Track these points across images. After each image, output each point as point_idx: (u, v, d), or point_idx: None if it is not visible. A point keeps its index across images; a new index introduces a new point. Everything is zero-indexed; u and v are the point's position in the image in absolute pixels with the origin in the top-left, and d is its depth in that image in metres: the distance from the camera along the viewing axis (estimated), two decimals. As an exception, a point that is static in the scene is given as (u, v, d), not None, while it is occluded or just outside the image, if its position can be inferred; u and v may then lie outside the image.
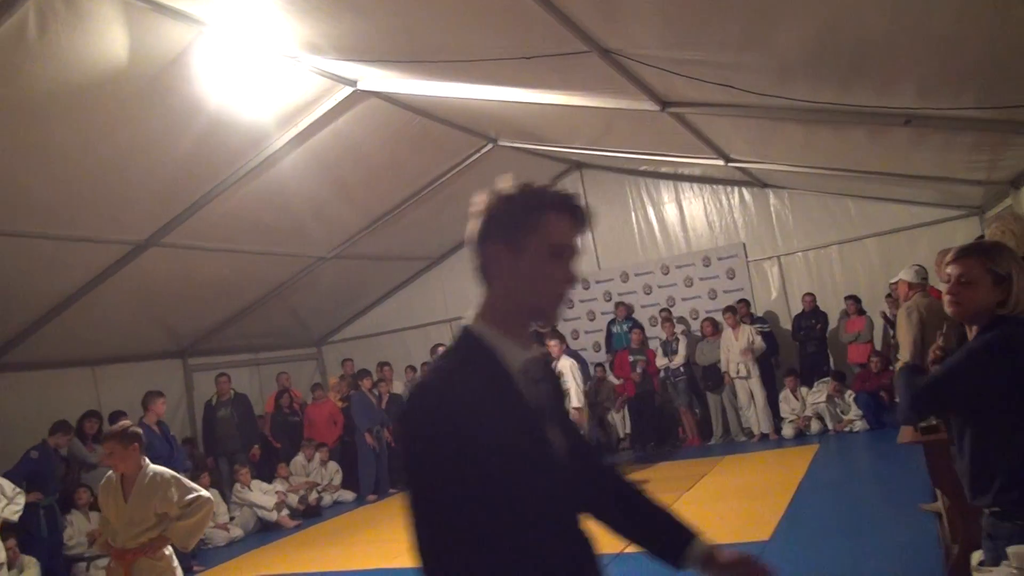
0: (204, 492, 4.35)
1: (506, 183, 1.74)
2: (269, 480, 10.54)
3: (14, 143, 6.11)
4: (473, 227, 1.71)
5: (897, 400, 4.30)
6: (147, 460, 4.34)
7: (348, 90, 7.34)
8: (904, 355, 5.91)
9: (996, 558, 2.42)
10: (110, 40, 5.42)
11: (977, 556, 2.66)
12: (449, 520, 1.53)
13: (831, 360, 11.09)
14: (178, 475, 4.36)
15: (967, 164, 7.49)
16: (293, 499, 10.53)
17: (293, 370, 13.12)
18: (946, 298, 2.68)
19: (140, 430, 4.46)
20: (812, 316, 11.08)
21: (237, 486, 10.02)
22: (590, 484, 1.85)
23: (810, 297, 11.17)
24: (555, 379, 1.82)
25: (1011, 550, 1.53)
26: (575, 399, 9.45)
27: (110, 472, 4.39)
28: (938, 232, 10.53)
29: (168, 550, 4.30)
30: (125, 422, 4.59)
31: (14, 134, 6.02)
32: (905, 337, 5.51)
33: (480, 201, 1.73)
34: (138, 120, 6.50)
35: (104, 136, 6.52)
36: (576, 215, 1.74)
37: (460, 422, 1.50)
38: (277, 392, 12.02)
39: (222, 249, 9.44)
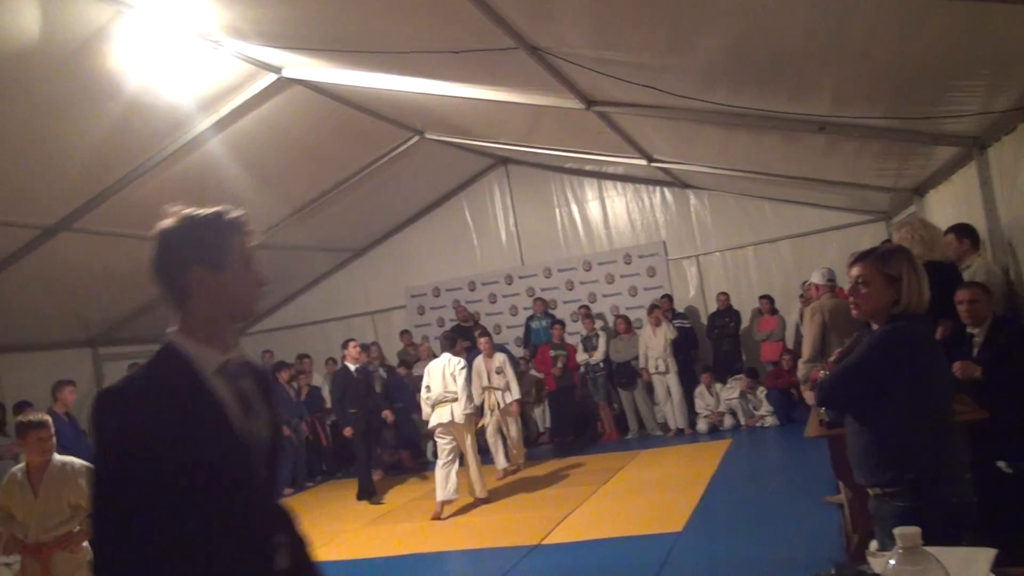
0: None
1: (173, 215, 1.98)
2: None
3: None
4: (163, 258, 1.97)
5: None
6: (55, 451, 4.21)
7: (272, 77, 7.23)
8: (805, 352, 6.21)
9: (888, 543, 2.59)
10: (22, 15, 5.23)
11: (874, 544, 2.82)
12: (124, 514, 1.71)
13: (744, 357, 11.42)
14: (89, 465, 4.20)
15: (876, 171, 7.82)
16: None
17: (210, 361, 12.80)
18: (850, 300, 2.89)
19: (49, 417, 4.31)
20: (726, 314, 11.39)
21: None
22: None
23: (724, 296, 11.48)
24: (260, 375, 2.09)
25: (897, 531, 1.64)
26: (514, 391, 9.53)
27: (14, 468, 4.24)
28: (848, 235, 10.97)
29: (86, 543, 4.14)
30: (41, 413, 4.45)
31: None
32: (806, 336, 5.77)
33: (160, 235, 1.97)
34: (51, 99, 6.26)
35: (13, 114, 6.27)
36: (247, 229, 2.06)
37: (137, 423, 1.73)
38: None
39: (138, 236, 9.07)
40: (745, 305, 11.65)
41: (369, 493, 9.55)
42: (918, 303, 2.76)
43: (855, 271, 2.85)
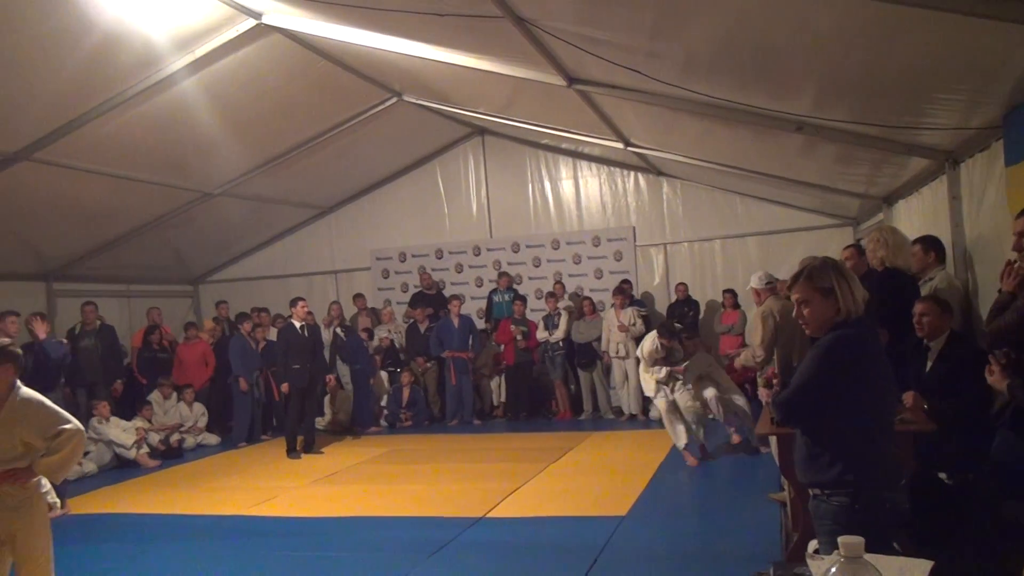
0: (73, 424, 4.05)
1: None
2: (129, 417, 10.16)
3: None
4: None
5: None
6: (20, 384, 4.04)
7: (252, 22, 7.06)
8: (759, 353, 6.35)
9: (827, 544, 2.63)
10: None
11: (813, 544, 2.86)
12: None
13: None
14: (48, 403, 4.08)
15: (848, 177, 7.88)
16: (154, 438, 10.20)
17: (167, 306, 12.65)
18: (800, 323, 3.01)
19: (19, 350, 4.13)
20: (684, 304, 11.48)
21: (94, 420, 9.61)
22: None
23: (683, 286, 11.57)
24: None
25: (841, 539, 1.64)
26: None
27: None
28: (815, 237, 11.07)
29: (37, 479, 4.08)
30: (3, 339, 4.19)
31: None
32: (757, 339, 5.86)
33: None
34: (22, 25, 6.06)
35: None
36: None
37: None
38: (147, 327, 11.58)
39: (102, 172, 8.93)
40: (708, 297, 11.73)
41: (292, 448, 9.81)
42: (855, 306, 2.85)
43: (794, 296, 2.97)
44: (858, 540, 1.62)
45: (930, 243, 5.54)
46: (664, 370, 8.19)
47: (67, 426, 4.00)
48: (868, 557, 1.69)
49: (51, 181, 8.65)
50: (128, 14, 6.31)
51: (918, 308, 4.72)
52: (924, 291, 5.28)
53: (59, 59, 6.62)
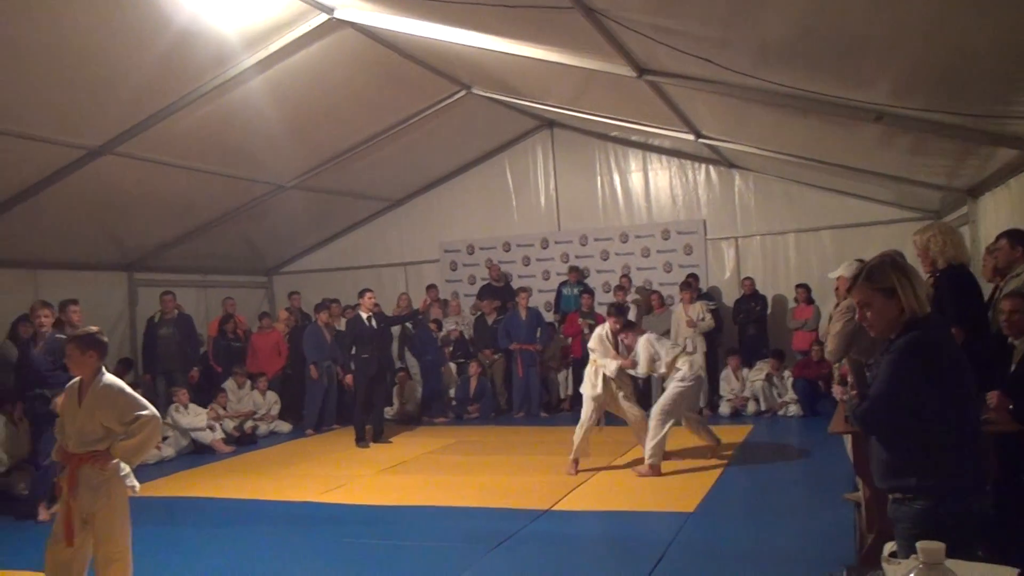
0: (149, 410, 4.19)
1: None
2: (205, 405, 10.45)
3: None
4: None
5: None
6: (104, 370, 4.25)
7: (323, 17, 7.15)
8: (830, 348, 6.10)
9: (905, 548, 2.53)
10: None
11: (889, 547, 2.76)
12: None
13: (769, 343, 11.28)
14: (128, 390, 4.25)
15: (929, 168, 7.60)
16: (229, 424, 10.48)
17: (241, 297, 12.97)
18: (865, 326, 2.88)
19: (105, 338, 4.32)
20: (752, 299, 11.26)
21: (173, 407, 9.92)
22: None
23: (750, 281, 11.36)
24: None
25: (920, 545, 1.57)
26: None
27: (74, 379, 4.32)
28: (893, 231, 10.69)
29: (116, 461, 4.23)
30: (91, 327, 4.38)
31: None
32: (834, 334, 5.64)
33: None
34: (105, 24, 6.25)
35: (67, 37, 6.27)
36: None
37: None
38: (222, 317, 11.88)
39: (180, 165, 9.21)
40: (781, 292, 11.47)
41: (361, 438, 9.88)
42: (919, 305, 2.72)
43: (855, 299, 2.85)
44: (939, 546, 1.55)
45: (1017, 237, 5.29)
46: (614, 364, 7.89)
47: (143, 412, 4.14)
48: (949, 564, 1.62)
49: (133, 174, 8.93)
50: (203, 11, 6.45)
51: (1007, 305, 4.52)
52: (1011, 286, 5.04)
53: (138, 56, 6.82)
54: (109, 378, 4.23)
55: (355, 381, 10.09)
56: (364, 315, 10.08)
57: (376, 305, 10.37)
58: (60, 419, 4.31)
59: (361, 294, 10.22)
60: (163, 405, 10.24)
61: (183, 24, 6.49)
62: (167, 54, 6.88)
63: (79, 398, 4.18)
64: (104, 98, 7.42)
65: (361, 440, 9.88)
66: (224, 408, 10.70)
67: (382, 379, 10.39)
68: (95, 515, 4.13)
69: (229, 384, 11.09)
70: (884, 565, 2.05)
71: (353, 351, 10.13)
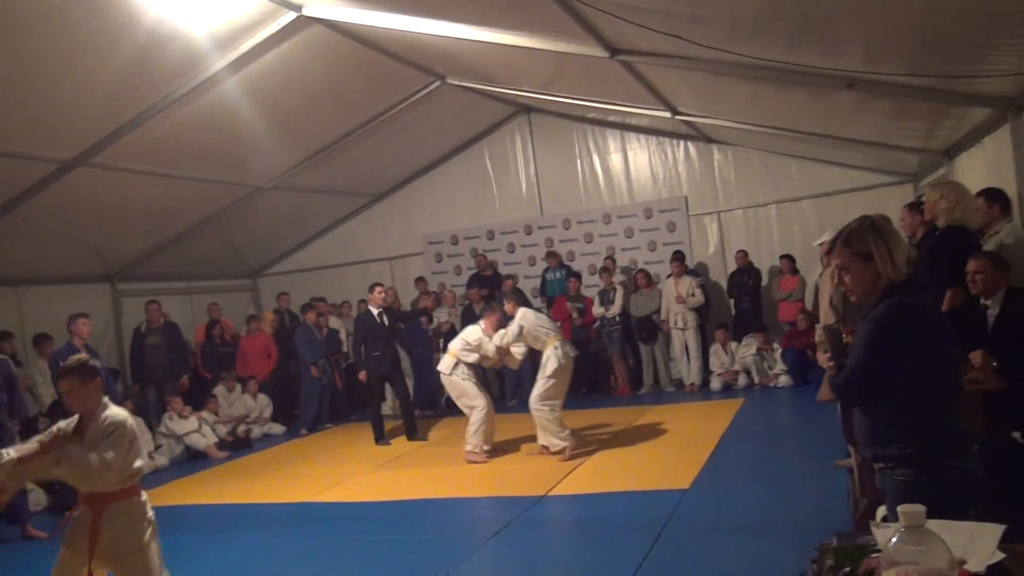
0: (106, 455, 3.46)
1: None
2: (196, 411, 10.41)
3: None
4: None
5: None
6: (107, 400, 3.68)
7: (292, 15, 7.09)
8: (824, 317, 6.12)
9: (895, 514, 2.55)
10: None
11: (882, 512, 2.78)
12: None
13: (763, 316, 11.32)
14: (137, 439, 3.66)
15: (905, 132, 7.63)
16: (222, 430, 10.45)
17: (228, 301, 12.93)
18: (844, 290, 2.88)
19: (99, 363, 3.82)
20: (746, 272, 11.28)
21: (166, 416, 9.89)
22: None
23: (742, 254, 11.37)
24: None
25: (901, 509, 1.58)
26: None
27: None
28: (873, 197, 10.75)
29: (143, 496, 3.74)
30: (81, 355, 3.80)
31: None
32: (825, 299, 5.66)
33: None
34: (70, 32, 6.18)
35: (32, 47, 6.19)
36: None
37: None
38: (208, 322, 11.84)
39: (157, 173, 9.14)
40: (765, 264, 11.52)
41: (380, 436, 9.64)
42: (894, 270, 2.68)
43: (835, 262, 2.83)
44: (919, 509, 1.56)
45: (993, 195, 5.34)
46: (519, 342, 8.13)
47: (108, 455, 3.49)
48: (936, 525, 1.64)
49: (109, 185, 8.86)
50: (169, 13, 6.38)
51: (971, 266, 4.55)
52: (989, 245, 5.08)
53: (105, 64, 6.74)
54: (113, 410, 3.65)
55: (368, 379, 9.81)
56: (375, 311, 9.79)
57: (386, 299, 10.07)
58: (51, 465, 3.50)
59: (371, 289, 9.95)
60: (155, 415, 10.23)
61: (149, 28, 6.42)
62: (135, 60, 6.80)
63: (79, 434, 3.56)
64: (73, 109, 7.35)
65: (380, 438, 9.57)
66: (216, 414, 10.67)
67: (398, 373, 10.13)
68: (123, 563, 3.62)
69: (219, 389, 11.06)
70: (873, 529, 2.07)
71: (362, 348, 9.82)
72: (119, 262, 11.26)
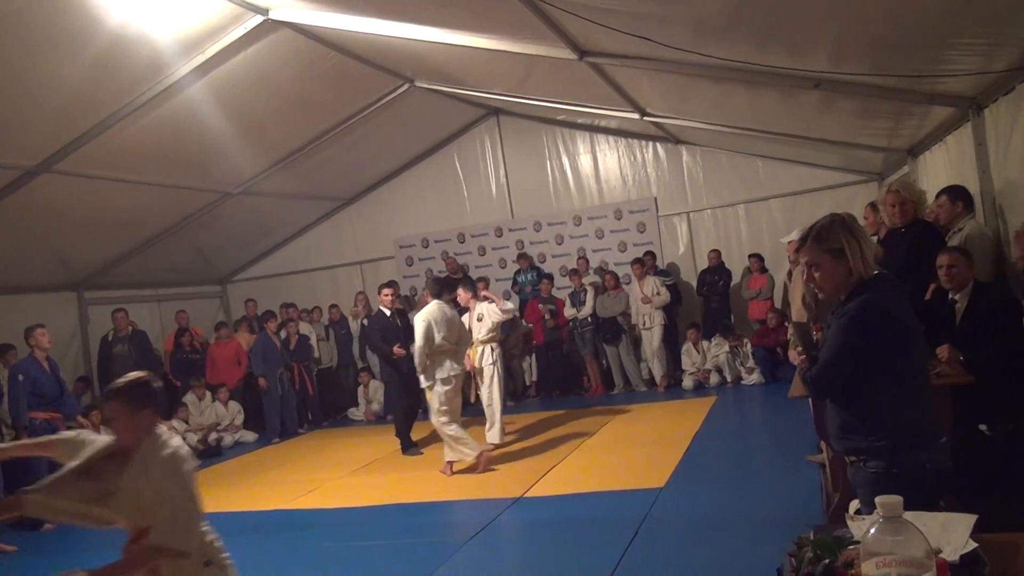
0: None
1: None
2: (167, 419, 10.29)
3: None
4: None
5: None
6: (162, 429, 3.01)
7: (259, 19, 7.03)
8: (795, 314, 6.20)
9: (868, 508, 2.59)
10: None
11: (855, 505, 2.82)
12: None
13: (732, 316, 11.43)
14: (193, 487, 3.14)
15: (869, 131, 7.73)
16: (193, 438, 10.33)
17: (196, 308, 12.79)
18: (811, 287, 2.89)
19: (158, 383, 3.02)
20: (716, 272, 11.37)
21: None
22: None
23: (715, 253, 11.45)
24: None
25: (879, 500, 1.60)
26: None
27: None
28: (840, 195, 10.91)
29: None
30: (139, 374, 2.99)
31: None
32: (797, 297, 5.73)
33: None
34: (31, 36, 6.08)
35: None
36: None
37: None
38: (176, 330, 11.70)
39: (122, 179, 9.00)
40: (734, 263, 11.62)
41: (408, 445, 9.09)
42: (865, 267, 2.71)
43: (803, 259, 2.83)
44: (896, 499, 1.58)
45: (956, 193, 5.42)
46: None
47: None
48: (910, 516, 1.66)
49: (74, 192, 8.73)
50: (133, 17, 6.28)
51: (945, 259, 4.62)
52: (954, 242, 5.17)
53: (68, 68, 6.64)
54: (176, 444, 2.98)
55: (387, 387, 9.32)
56: (387, 312, 9.48)
57: (396, 299, 9.71)
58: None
59: (380, 290, 9.63)
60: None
61: (113, 31, 6.32)
62: (99, 64, 6.70)
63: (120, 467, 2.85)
64: (35, 115, 7.22)
65: (409, 447, 9.06)
66: (187, 422, 10.54)
67: (415, 376, 9.83)
68: None
69: (189, 397, 10.94)
70: (849, 522, 2.09)
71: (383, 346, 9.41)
72: (85, 270, 11.09)
